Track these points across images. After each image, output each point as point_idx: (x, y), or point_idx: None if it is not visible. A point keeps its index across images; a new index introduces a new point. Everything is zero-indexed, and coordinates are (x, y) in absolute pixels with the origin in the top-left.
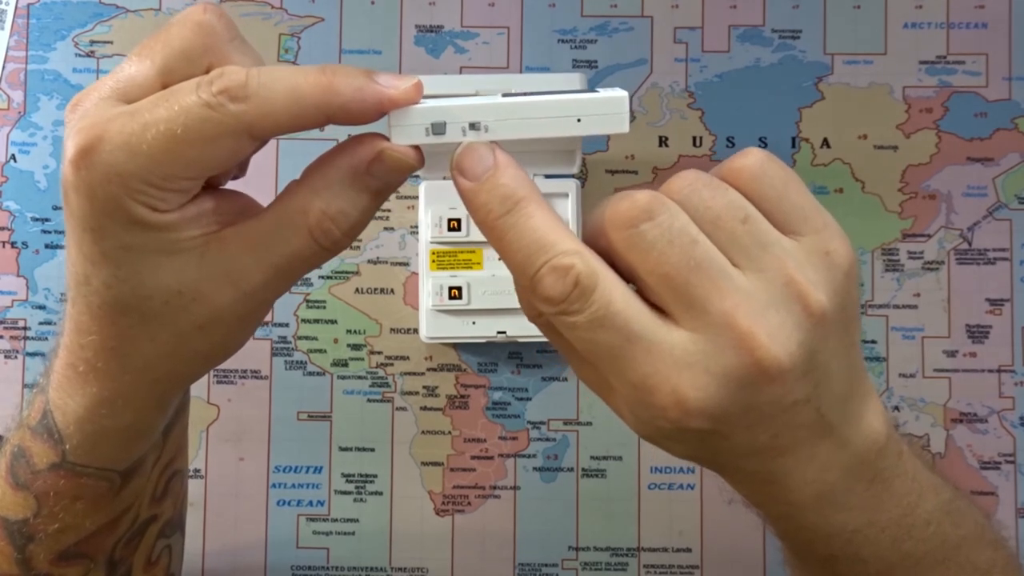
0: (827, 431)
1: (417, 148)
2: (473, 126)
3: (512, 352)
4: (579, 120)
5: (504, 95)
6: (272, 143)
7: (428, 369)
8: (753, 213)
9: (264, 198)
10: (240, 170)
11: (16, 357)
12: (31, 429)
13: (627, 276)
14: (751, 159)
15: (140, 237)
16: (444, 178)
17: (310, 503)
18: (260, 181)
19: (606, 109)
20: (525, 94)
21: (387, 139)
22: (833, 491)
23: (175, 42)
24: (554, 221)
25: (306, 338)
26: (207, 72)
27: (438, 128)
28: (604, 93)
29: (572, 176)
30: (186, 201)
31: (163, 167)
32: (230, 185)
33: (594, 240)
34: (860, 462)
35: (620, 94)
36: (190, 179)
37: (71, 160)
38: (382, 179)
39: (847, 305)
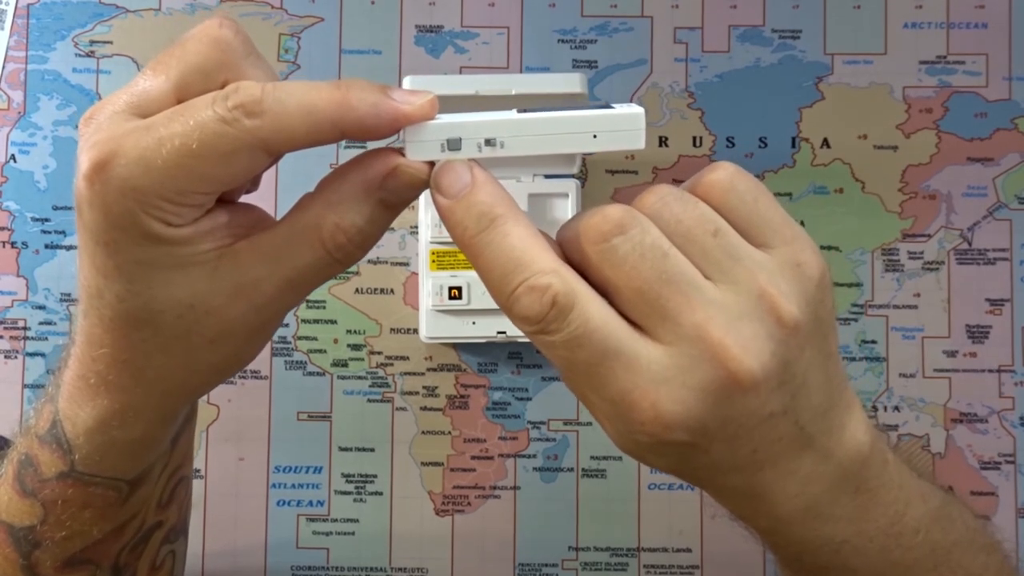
0: (808, 443)
1: (431, 164)
2: (489, 142)
3: (512, 352)
4: (595, 136)
5: (520, 111)
6: None
7: (428, 369)
8: (724, 226)
9: (264, 204)
10: (253, 184)
11: (16, 357)
12: (39, 438)
13: (601, 289)
14: (721, 173)
15: (153, 251)
16: None
17: (310, 503)
18: (261, 194)
19: (622, 126)
20: (541, 110)
21: (402, 154)
22: (818, 503)
23: (191, 57)
24: (532, 238)
25: (306, 338)
26: (222, 87)
27: (453, 144)
28: (620, 109)
29: (572, 176)
30: (200, 215)
31: (178, 182)
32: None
33: (568, 253)
34: (844, 473)
35: (636, 111)
36: (204, 194)
37: (85, 174)
38: (396, 194)
39: (821, 316)
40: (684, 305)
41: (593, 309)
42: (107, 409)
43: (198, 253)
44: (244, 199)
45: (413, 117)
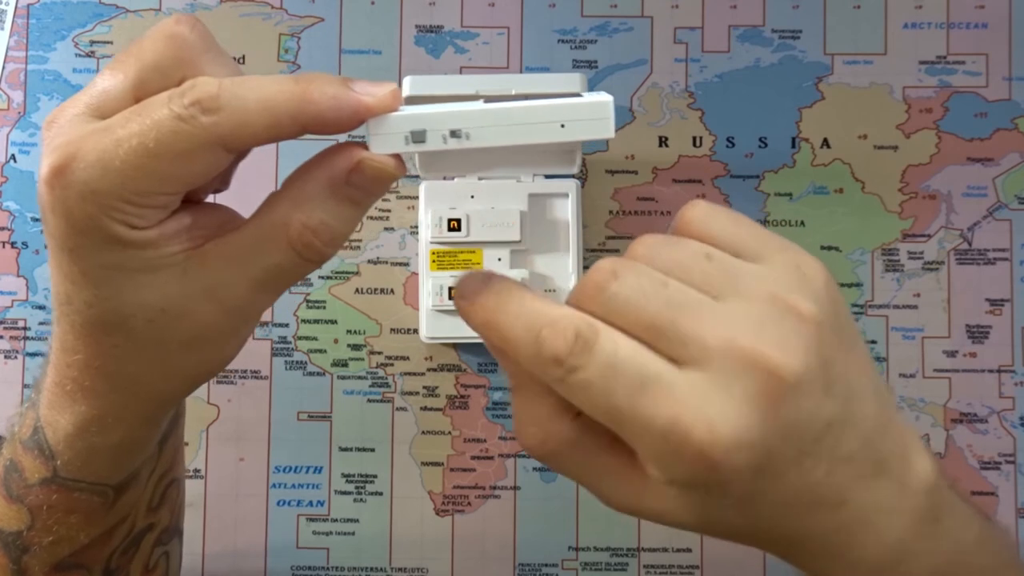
0: (882, 468)
1: (398, 156)
2: (454, 133)
3: None
4: (563, 126)
5: (486, 100)
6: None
7: (428, 369)
8: (715, 251)
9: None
10: (222, 183)
11: (16, 357)
12: (23, 444)
13: None
14: (696, 209)
15: (119, 255)
16: (444, 178)
17: (310, 503)
18: (258, 192)
19: (590, 114)
20: (507, 98)
21: (366, 148)
22: (903, 543)
23: (147, 55)
24: (547, 299)
25: (306, 338)
26: (181, 84)
27: (418, 136)
28: (588, 98)
29: (572, 176)
30: (165, 217)
31: (137, 183)
32: (222, 199)
33: None
34: (921, 504)
35: (604, 99)
36: (166, 194)
37: (45, 179)
38: (362, 189)
39: (840, 316)
40: (703, 324)
41: (619, 338)
42: (85, 415)
43: (165, 256)
44: (224, 197)
45: (375, 109)
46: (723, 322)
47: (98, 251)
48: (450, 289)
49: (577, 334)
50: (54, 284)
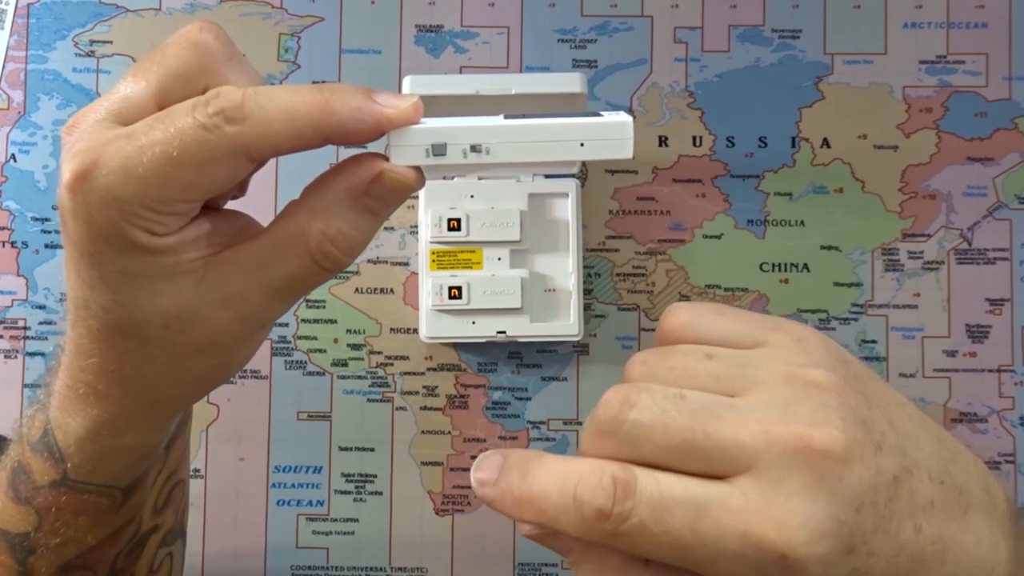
0: (966, 500)
1: (417, 168)
2: (475, 148)
3: (512, 352)
4: (582, 144)
5: (507, 116)
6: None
7: (428, 369)
8: (713, 348)
9: (263, 213)
10: (240, 190)
11: (16, 357)
12: (31, 446)
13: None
14: (676, 314)
15: (138, 261)
16: (444, 177)
17: (310, 503)
18: (259, 195)
19: (611, 134)
20: (529, 116)
21: (387, 159)
22: (1010, 564)
23: (170, 62)
24: (570, 458)
25: (306, 338)
26: (204, 92)
27: (439, 149)
28: (609, 118)
29: (572, 176)
30: (184, 224)
31: (159, 190)
32: (230, 204)
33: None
34: (1012, 524)
35: (624, 119)
36: (187, 202)
37: (67, 185)
38: (382, 200)
39: (853, 368)
40: (732, 426)
41: (657, 474)
42: (97, 419)
43: (183, 262)
44: (236, 205)
45: (396, 121)
46: (752, 417)
47: (118, 257)
48: (451, 289)
49: (614, 480)
50: (70, 288)
